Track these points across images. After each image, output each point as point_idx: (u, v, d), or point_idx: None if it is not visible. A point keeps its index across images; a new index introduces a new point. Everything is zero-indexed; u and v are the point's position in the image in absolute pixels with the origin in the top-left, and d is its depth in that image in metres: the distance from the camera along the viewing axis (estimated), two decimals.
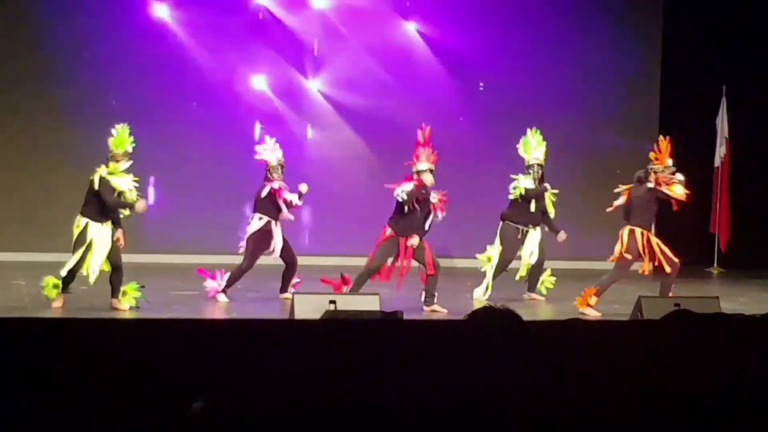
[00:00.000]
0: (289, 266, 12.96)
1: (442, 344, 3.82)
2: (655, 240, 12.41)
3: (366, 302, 10.47)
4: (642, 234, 12.37)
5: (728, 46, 17.81)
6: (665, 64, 18.16)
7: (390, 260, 12.39)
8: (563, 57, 18.05)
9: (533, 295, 13.26)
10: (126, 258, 14.46)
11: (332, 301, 10.01)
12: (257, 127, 17.38)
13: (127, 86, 17.16)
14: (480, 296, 12.87)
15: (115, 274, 11.91)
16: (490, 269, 13.04)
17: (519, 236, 13.07)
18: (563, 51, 18.06)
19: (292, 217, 12.86)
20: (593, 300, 12.24)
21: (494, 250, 13.11)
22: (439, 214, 12.40)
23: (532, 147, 13.25)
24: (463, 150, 17.29)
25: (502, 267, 13.02)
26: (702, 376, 4.05)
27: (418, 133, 12.51)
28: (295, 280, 12.97)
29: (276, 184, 12.72)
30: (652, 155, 12.64)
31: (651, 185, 12.47)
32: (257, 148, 13.12)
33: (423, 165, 12.24)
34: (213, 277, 12.64)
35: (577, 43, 18.11)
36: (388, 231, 12.28)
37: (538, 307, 12.68)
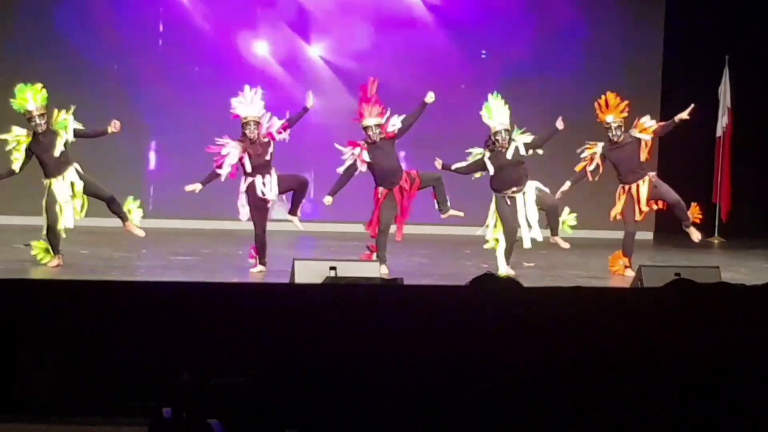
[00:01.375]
0: (299, 188, 12.37)
1: (444, 309, 3.83)
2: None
3: (366, 269, 10.49)
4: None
5: (731, 16, 17.75)
6: (668, 33, 18.10)
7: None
8: (566, 25, 17.99)
9: (557, 239, 12.64)
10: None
11: (333, 267, 10.01)
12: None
13: (128, 51, 17.13)
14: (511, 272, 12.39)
15: (112, 204, 12.02)
16: (501, 250, 12.37)
17: (509, 203, 12.43)
18: (566, 19, 18.00)
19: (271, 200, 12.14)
20: (626, 261, 12.65)
21: (498, 231, 12.49)
22: (395, 123, 12.27)
23: (495, 112, 12.48)
24: (463, 117, 17.26)
25: (510, 240, 12.39)
26: (702, 345, 4.06)
27: (362, 88, 12.44)
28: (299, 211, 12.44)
29: (231, 156, 11.93)
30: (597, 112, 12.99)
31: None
32: (233, 101, 12.13)
33: (368, 121, 12.19)
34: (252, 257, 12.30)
35: (580, 10, 18.05)
36: (379, 191, 12.27)
37: (539, 274, 12.63)
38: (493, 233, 12.48)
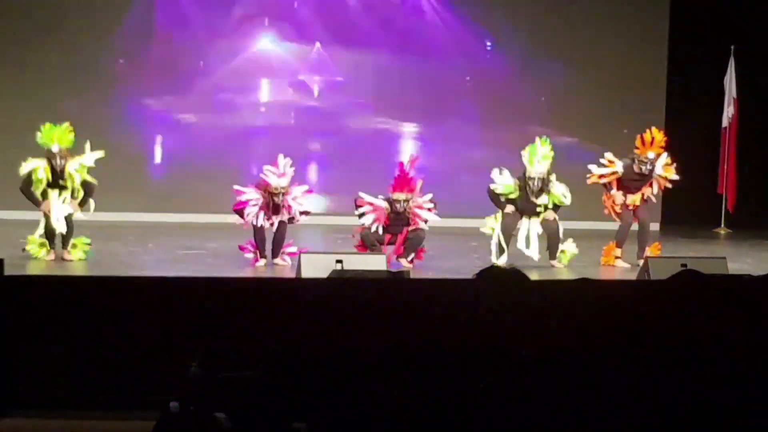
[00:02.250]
0: (278, 231, 12.51)
1: (449, 303, 3.84)
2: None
3: (373, 262, 10.49)
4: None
5: (736, 6, 17.72)
6: (673, 24, 18.08)
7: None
8: (571, 17, 17.97)
9: (554, 263, 12.73)
10: (134, 217, 14.49)
11: (339, 261, 10.02)
12: (265, 87, 17.33)
13: (132, 46, 17.14)
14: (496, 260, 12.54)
15: (67, 234, 12.27)
16: (495, 237, 12.63)
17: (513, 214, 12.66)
18: (571, 10, 17.98)
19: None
20: (618, 252, 12.85)
21: (493, 220, 12.76)
22: (421, 220, 12.51)
23: (537, 159, 12.54)
24: (468, 109, 17.29)
25: (507, 232, 12.58)
26: (709, 336, 4.06)
27: (400, 166, 12.65)
28: (289, 249, 12.51)
29: (251, 210, 12.35)
30: (637, 143, 13.01)
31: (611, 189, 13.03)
32: (266, 169, 12.41)
33: (397, 196, 12.41)
34: (246, 250, 12.43)
35: (585, 2, 18.04)
36: (357, 238, 12.53)
37: (547, 267, 12.62)
38: (492, 221, 12.76)
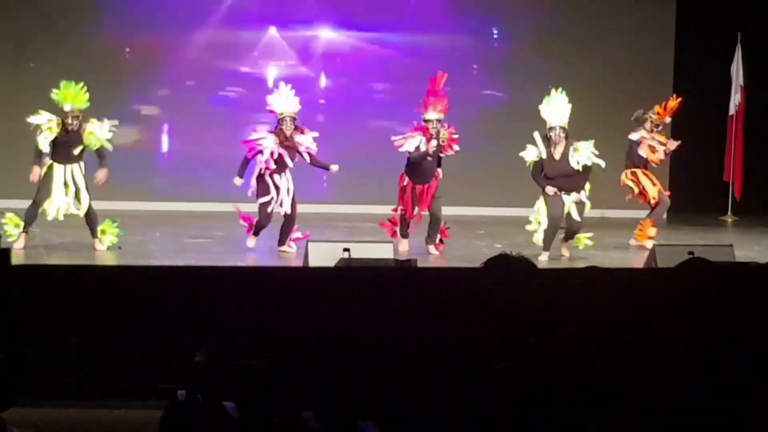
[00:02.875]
0: (288, 219, 12.31)
1: (457, 291, 3.84)
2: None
3: (380, 250, 10.49)
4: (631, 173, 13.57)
5: None
6: (680, 11, 18.03)
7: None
8: (577, 4, 17.94)
9: (564, 247, 12.55)
10: (141, 206, 14.49)
11: (346, 249, 10.02)
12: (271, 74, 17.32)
13: (142, 34, 17.13)
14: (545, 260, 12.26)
15: (89, 216, 12.15)
16: (540, 232, 12.33)
17: (558, 194, 12.24)
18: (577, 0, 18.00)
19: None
20: (652, 231, 13.20)
21: (541, 214, 12.36)
22: (453, 149, 12.37)
23: (554, 108, 12.28)
24: (475, 98, 17.27)
25: (554, 226, 12.26)
26: (716, 324, 4.06)
27: (431, 81, 12.41)
28: (295, 234, 12.37)
29: (267, 151, 12.07)
30: (657, 108, 13.48)
31: (637, 137, 13.42)
32: (268, 98, 12.45)
33: (430, 114, 12.18)
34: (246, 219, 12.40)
35: None
36: (405, 181, 12.33)
37: (555, 255, 12.59)
38: (536, 214, 12.41)
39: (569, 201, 12.24)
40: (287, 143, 12.13)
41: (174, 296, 4.04)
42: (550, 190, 12.16)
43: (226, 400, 4.64)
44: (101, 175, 12.15)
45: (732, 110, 17.56)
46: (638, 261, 11.90)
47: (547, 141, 12.20)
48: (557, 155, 12.15)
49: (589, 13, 17.95)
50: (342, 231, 14.19)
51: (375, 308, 3.89)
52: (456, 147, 12.40)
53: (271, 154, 12.03)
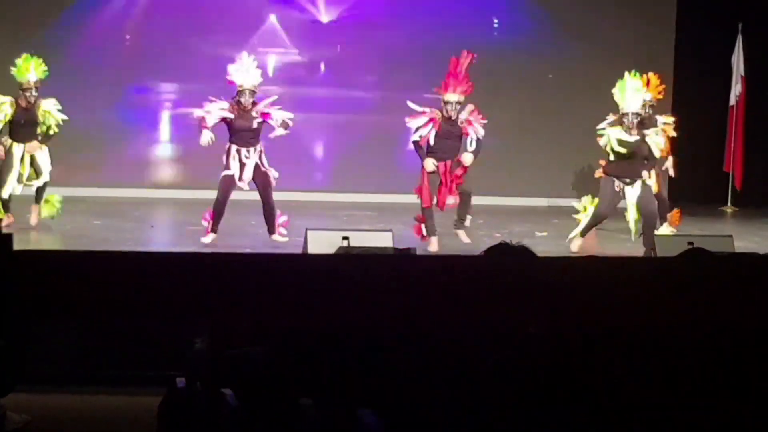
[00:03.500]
0: (266, 206, 11.87)
1: (457, 280, 3.84)
2: None
3: (379, 239, 10.49)
4: None
5: None
6: (681, 1, 18.02)
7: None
8: None
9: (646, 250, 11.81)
10: (141, 192, 14.49)
11: (345, 237, 10.02)
12: (270, 62, 17.28)
13: (139, 19, 17.11)
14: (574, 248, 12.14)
15: (41, 187, 12.57)
16: (584, 219, 12.13)
17: (617, 190, 11.93)
18: None
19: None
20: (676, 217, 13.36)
21: (591, 205, 12.19)
22: (477, 132, 11.80)
23: (628, 93, 12.00)
24: (475, 89, 17.25)
25: (594, 221, 12.06)
26: (715, 314, 4.06)
27: (452, 62, 12.02)
28: (281, 218, 11.98)
29: (213, 114, 11.60)
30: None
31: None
32: (229, 67, 11.85)
33: (449, 96, 11.83)
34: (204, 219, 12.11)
35: None
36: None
37: (554, 244, 12.60)
38: (586, 202, 12.27)
39: (634, 193, 11.92)
40: (243, 116, 11.66)
41: (173, 283, 4.04)
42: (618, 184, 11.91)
43: (224, 387, 4.64)
44: (33, 146, 12.47)
45: (732, 101, 17.55)
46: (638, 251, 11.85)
47: (620, 125, 11.98)
48: (631, 139, 11.86)
49: (590, 2, 17.93)
50: (341, 219, 14.17)
51: (374, 296, 3.88)
52: (480, 131, 11.88)
53: (223, 119, 11.61)
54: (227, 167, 11.76)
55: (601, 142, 12.05)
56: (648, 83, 13.04)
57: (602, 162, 12.17)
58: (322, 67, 17.82)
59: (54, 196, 12.66)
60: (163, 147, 17.50)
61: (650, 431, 3.74)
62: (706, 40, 17.73)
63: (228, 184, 11.75)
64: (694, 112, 16.32)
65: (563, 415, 3.66)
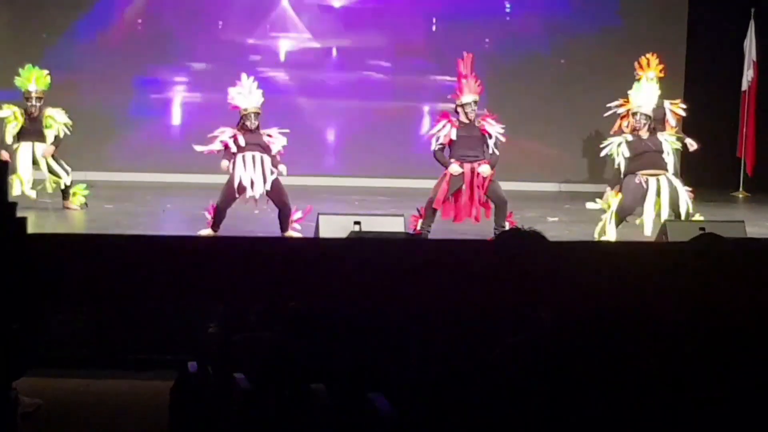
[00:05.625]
0: (281, 208, 11.59)
1: (468, 264, 3.84)
2: None
3: (391, 224, 10.49)
4: None
5: None
6: None
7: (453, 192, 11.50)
8: None
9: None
10: (153, 177, 14.53)
11: (357, 222, 10.03)
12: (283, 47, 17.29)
13: (153, 8, 17.14)
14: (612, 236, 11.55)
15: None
16: (609, 215, 11.61)
17: (638, 182, 11.55)
18: None
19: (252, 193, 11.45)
20: None
21: (615, 198, 11.79)
22: (495, 129, 11.49)
23: (641, 92, 11.85)
24: (485, 72, 17.22)
25: (621, 215, 11.58)
26: (726, 300, 4.06)
27: (459, 64, 11.84)
28: (295, 215, 11.64)
29: (224, 134, 11.53)
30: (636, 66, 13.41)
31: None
32: (231, 91, 11.79)
33: (467, 98, 11.53)
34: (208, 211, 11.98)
35: None
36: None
37: (566, 229, 12.58)
38: (610, 195, 11.92)
39: (663, 183, 11.64)
40: (251, 137, 11.52)
41: (185, 267, 4.04)
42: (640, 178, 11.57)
43: (236, 372, 4.65)
44: (47, 150, 12.67)
45: (744, 86, 17.51)
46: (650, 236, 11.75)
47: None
48: (645, 135, 11.65)
49: None
50: (353, 204, 14.17)
51: (386, 280, 3.88)
52: (498, 128, 11.57)
53: (233, 137, 11.45)
54: (234, 176, 11.47)
55: (604, 152, 11.88)
56: (648, 63, 13.10)
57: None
58: (335, 51, 17.82)
59: (78, 186, 12.90)
60: (175, 131, 17.52)
61: (662, 417, 3.74)
62: (718, 26, 17.68)
63: (235, 192, 11.48)
64: (707, 97, 16.30)
65: (575, 400, 3.67)
